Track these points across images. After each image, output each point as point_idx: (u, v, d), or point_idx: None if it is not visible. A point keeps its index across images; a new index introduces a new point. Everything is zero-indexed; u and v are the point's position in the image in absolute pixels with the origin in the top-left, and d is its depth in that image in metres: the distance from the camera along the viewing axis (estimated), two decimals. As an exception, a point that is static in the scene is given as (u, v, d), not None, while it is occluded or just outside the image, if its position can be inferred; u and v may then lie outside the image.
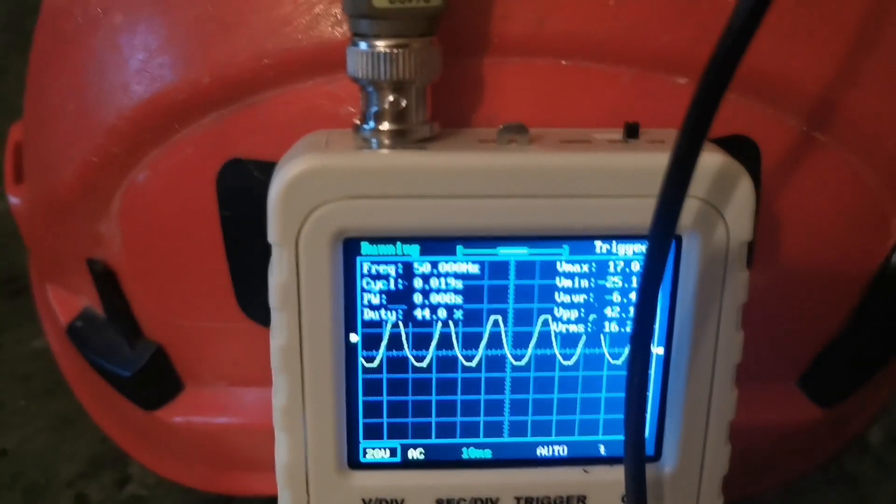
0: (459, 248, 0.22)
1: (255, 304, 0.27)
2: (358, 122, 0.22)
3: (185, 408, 0.31)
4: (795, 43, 0.25)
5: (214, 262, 0.27)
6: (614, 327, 0.23)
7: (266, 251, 0.22)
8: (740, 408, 0.30)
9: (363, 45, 0.21)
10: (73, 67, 0.27)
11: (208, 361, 0.30)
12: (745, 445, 0.32)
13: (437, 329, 0.23)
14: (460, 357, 0.23)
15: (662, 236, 0.19)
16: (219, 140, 0.25)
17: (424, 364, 0.23)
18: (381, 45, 0.21)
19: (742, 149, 0.25)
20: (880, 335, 0.30)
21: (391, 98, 0.22)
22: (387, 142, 0.22)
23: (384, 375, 0.23)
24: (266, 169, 0.24)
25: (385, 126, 0.22)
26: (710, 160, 0.21)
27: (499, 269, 0.22)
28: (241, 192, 0.25)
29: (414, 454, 0.24)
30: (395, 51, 0.21)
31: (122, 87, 0.25)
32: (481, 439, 0.24)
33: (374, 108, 0.22)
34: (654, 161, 0.20)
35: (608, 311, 0.23)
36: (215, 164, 0.25)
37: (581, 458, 0.24)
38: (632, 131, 0.23)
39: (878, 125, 0.26)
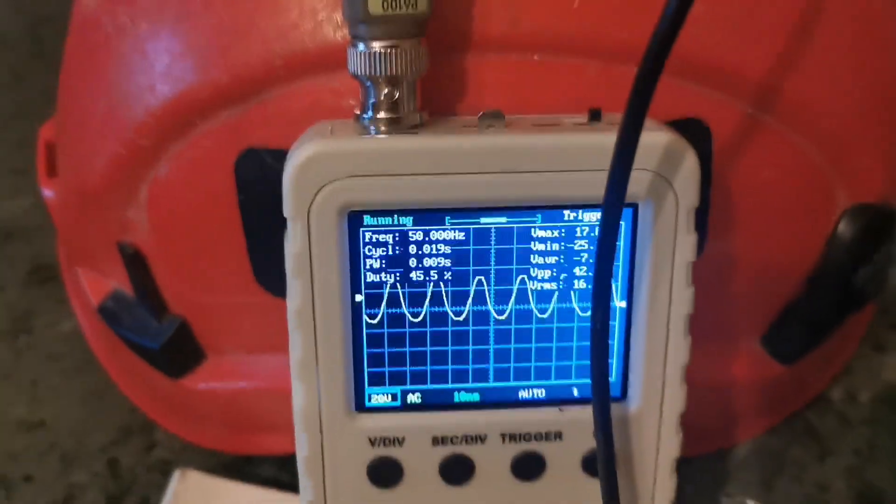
0: (447, 218, 0.24)
1: (269, 276, 0.28)
2: (358, 112, 0.24)
3: (207, 375, 0.32)
4: (741, 34, 0.26)
5: (232, 242, 0.28)
6: (583, 284, 0.25)
7: (278, 230, 0.24)
8: (709, 365, 0.31)
9: (361, 46, 0.23)
10: (104, 71, 0.29)
11: (227, 332, 0.31)
12: (714, 402, 0.33)
13: (430, 288, 0.24)
14: (450, 312, 0.25)
15: (614, 200, 0.21)
16: (235, 132, 0.26)
17: (419, 319, 0.25)
18: (376, 45, 0.23)
19: (694, 130, 0.26)
20: (833, 298, 0.31)
21: (386, 91, 0.23)
22: (383, 128, 0.23)
23: (385, 330, 0.25)
24: (278, 156, 0.25)
25: (381, 115, 0.23)
26: (660, 137, 0.23)
27: (481, 235, 0.24)
28: (257, 177, 0.26)
29: (412, 398, 0.26)
30: (388, 50, 0.22)
31: (148, 87, 0.27)
32: (470, 384, 0.25)
33: (371, 100, 0.23)
34: (613, 140, 0.21)
35: (577, 271, 0.25)
36: (232, 154, 0.27)
37: (557, 400, 0.26)
38: (595, 115, 0.24)
39: (819, 106, 0.27)
